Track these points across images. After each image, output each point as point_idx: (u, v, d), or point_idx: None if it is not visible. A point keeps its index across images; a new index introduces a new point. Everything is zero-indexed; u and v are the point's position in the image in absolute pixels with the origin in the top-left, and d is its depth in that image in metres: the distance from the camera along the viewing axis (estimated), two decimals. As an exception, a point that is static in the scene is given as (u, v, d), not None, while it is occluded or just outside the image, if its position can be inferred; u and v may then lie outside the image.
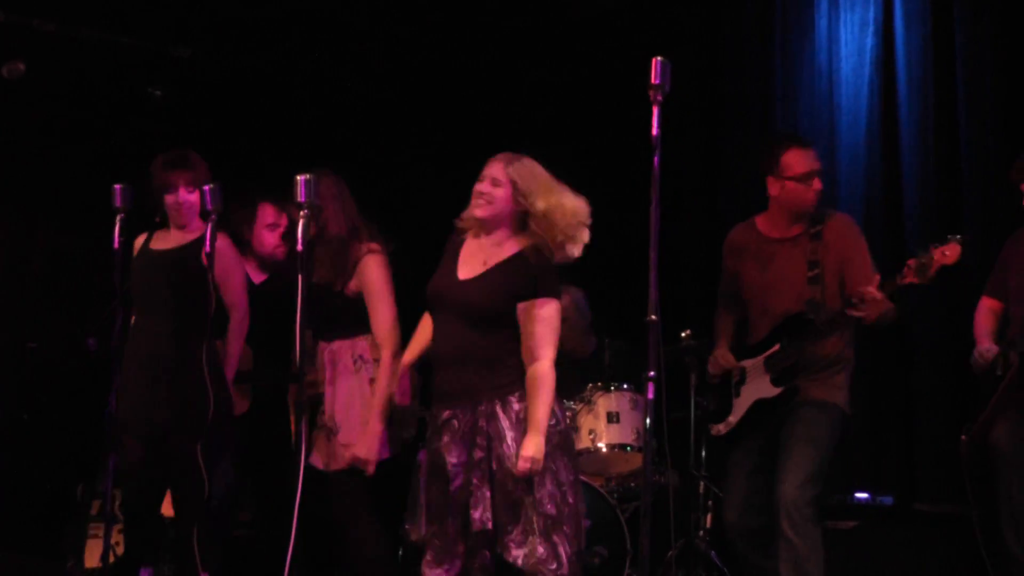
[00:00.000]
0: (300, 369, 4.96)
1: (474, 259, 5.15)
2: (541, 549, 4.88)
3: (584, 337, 7.83)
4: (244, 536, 7.12)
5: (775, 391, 5.87)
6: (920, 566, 6.61)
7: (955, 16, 7.70)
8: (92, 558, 7.14)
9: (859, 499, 7.51)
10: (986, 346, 5.98)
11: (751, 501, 5.95)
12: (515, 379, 5.00)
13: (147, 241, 6.20)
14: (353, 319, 5.96)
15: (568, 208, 5.09)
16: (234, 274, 6.13)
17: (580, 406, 7.19)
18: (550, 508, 4.93)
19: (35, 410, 6.37)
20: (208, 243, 5.58)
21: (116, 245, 5.75)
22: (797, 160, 5.93)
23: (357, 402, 5.91)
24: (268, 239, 6.74)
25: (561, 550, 4.92)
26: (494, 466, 4.95)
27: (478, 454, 4.97)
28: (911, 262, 5.44)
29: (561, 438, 5.02)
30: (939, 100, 7.77)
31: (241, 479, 6.70)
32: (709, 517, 7.24)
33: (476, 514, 4.93)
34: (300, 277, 4.88)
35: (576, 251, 5.10)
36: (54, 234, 8.10)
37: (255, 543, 6.99)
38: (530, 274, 5.01)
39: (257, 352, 6.59)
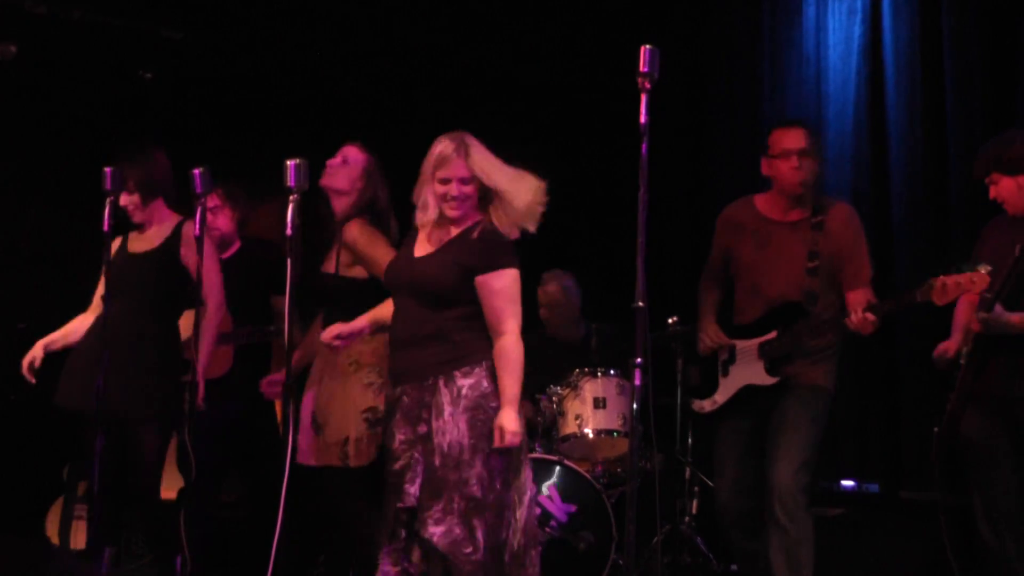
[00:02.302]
0: (289, 355, 4.97)
1: (430, 240, 5.18)
2: (458, 530, 4.85)
3: (574, 322, 7.87)
4: (230, 517, 7.14)
5: (769, 380, 5.87)
6: (905, 553, 6.63)
7: (942, 4, 7.71)
8: (77, 539, 7.17)
9: (845, 487, 7.55)
10: (941, 348, 5.99)
11: (742, 483, 5.96)
12: (463, 354, 4.98)
13: (124, 242, 6.19)
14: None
15: (525, 190, 5.08)
16: (211, 266, 6.12)
17: (566, 391, 7.20)
18: (475, 490, 4.88)
19: (23, 391, 6.36)
20: (197, 227, 5.61)
21: (106, 227, 5.75)
22: (780, 138, 5.98)
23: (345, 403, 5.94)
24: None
25: (479, 534, 4.87)
26: (430, 442, 4.94)
27: (422, 428, 4.96)
28: (935, 282, 5.41)
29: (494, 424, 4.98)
30: (926, 88, 7.78)
31: (224, 459, 6.73)
32: (695, 503, 7.26)
33: (411, 488, 4.93)
34: (289, 261, 4.89)
35: (532, 227, 5.09)
36: (43, 215, 8.10)
37: (241, 524, 7.01)
38: (479, 248, 5.01)
39: (235, 313, 6.62)
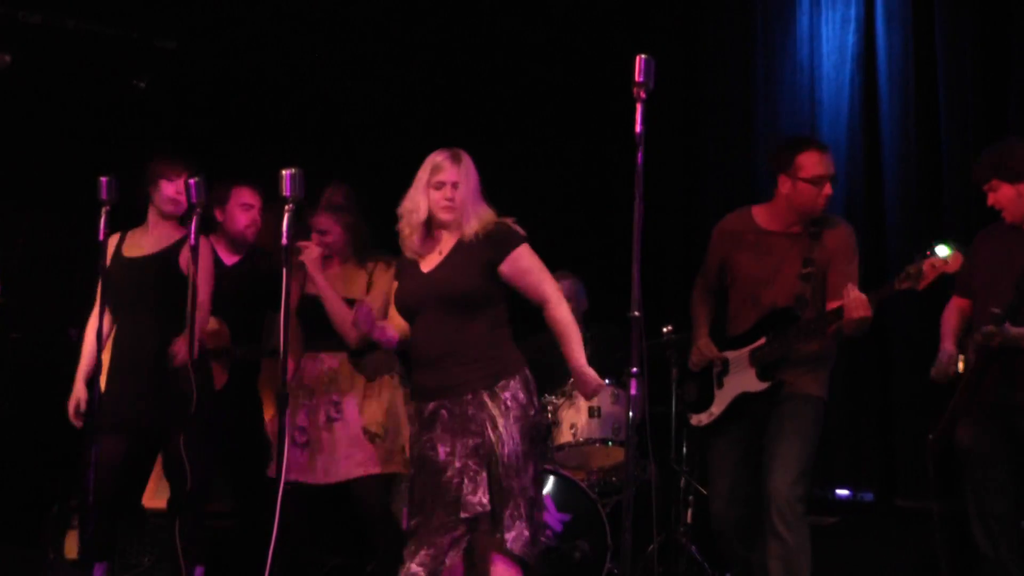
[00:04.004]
0: (283, 365, 4.98)
1: (430, 255, 5.31)
2: (526, 532, 5.06)
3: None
4: (225, 527, 7.13)
5: (761, 386, 5.86)
6: (901, 561, 6.64)
7: (936, 14, 7.71)
8: (71, 549, 7.16)
9: (840, 495, 7.55)
10: (946, 357, 5.98)
11: (737, 492, 5.95)
12: (499, 369, 5.14)
13: (120, 245, 6.19)
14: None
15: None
16: (206, 273, 6.13)
17: (562, 400, 7.20)
18: (532, 491, 5.13)
19: (17, 401, 6.36)
20: (193, 236, 5.61)
21: (101, 237, 5.76)
22: (813, 162, 5.87)
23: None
24: (241, 218, 6.74)
25: (542, 529, 5.18)
26: (491, 452, 5.07)
27: (474, 440, 5.08)
28: (911, 269, 5.45)
29: (536, 428, 5.22)
30: (920, 97, 7.78)
31: (217, 469, 6.73)
32: (690, 512, 7.26)
33: (474, 499, 5.04)
34: (284, 272, 4.90)
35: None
36: (38, 224, 8.09)
37: (236, 533, 7.00)
38: (490, 241, 5.18)
39: (232, 324, 6.63)
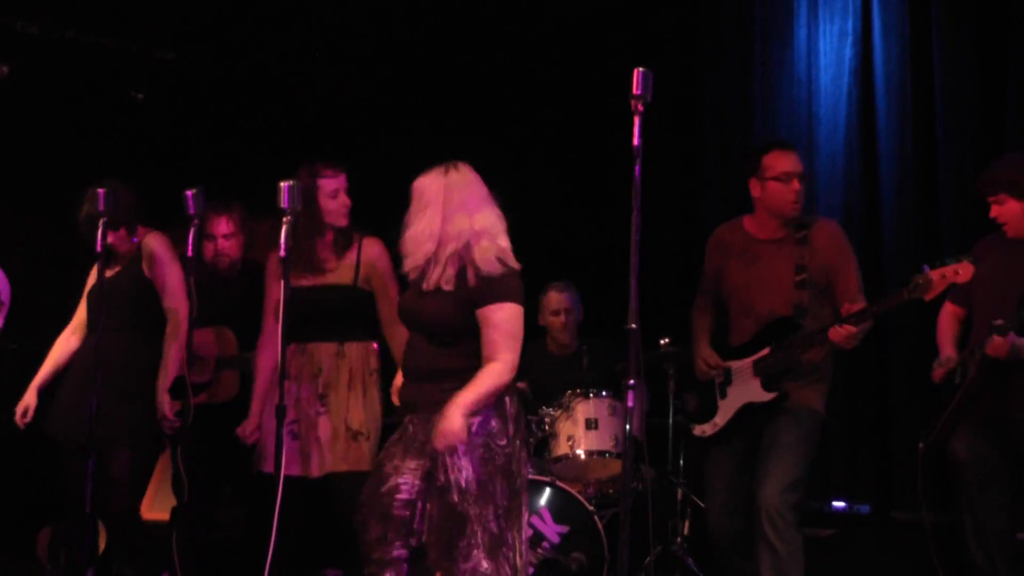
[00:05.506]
0: (282, 372, 4.98)
1: (431, 275, 5.13)
2: (485, 564, 4.88)
3: (572, 335, 7.89)
4: (227, 537, 7.13)
5: (767, 396, 5.84)
6: (897, 574, 6.64)
7: (933, 27, 7.73)
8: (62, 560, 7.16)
9: (836, 507, 7.54)
10: (947, 356, 6.01)
11: (734, 503, 5.95)
12: None
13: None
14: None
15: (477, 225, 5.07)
16: (171, 276, 6.13)
17: (559, 412, 7.19)
18: (494, 526, 4.92)
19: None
20: (191, 248, 5.61)
21: (99, 248, 5.75)
22: (777, 160, 5.93)
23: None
24: (206, 248, 6.75)
25: (507, 568, 4.92)
26: (441, 478, 4.94)
27: (425, 464, 4.98)
28: (919, 279, 5.43)
29: (505, 461, 5.00)
30: (917, 110, 7.80)
31: (221, 480, 6.73)
32: (687, 524, 7.26)
33: (422, 527, 4.96)
34: (283, 283, 4.90)
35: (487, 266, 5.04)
36: (36, 235, 8.10)
37: (240, 544, 7.00)
38: (480, 284, 4.99)
39: (239, 337, 6.63)
